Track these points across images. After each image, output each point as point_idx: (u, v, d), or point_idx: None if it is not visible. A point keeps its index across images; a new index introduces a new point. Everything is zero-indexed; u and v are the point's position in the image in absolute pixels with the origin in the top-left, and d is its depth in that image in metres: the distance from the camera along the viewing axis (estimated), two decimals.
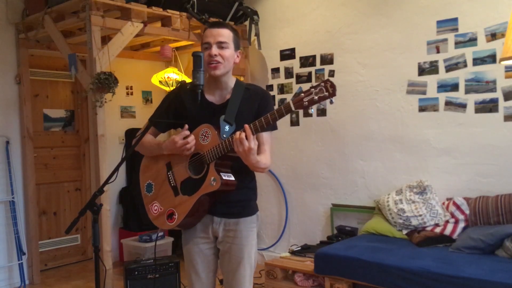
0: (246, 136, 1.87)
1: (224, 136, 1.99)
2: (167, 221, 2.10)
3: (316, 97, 1.80)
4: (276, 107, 2.01)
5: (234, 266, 2.10)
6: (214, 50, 2.03)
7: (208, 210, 2.10)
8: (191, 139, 2.02)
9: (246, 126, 1.88)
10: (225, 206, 2.09)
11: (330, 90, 1.79)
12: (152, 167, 2.21)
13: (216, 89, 2.13)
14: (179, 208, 2.07)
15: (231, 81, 2.13)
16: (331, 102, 1.83)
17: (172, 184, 2.12)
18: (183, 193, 2.07)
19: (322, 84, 1.80)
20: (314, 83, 4.60)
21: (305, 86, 4.48)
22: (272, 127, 2.08)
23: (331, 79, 1.89)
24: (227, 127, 2.03)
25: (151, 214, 2.18)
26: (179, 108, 2.15)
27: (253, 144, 1.87)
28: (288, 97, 4.65)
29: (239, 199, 2.11)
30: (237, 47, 2.12)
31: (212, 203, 2.07)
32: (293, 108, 1.83)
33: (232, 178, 2.01)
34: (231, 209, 2.10)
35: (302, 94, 1.83)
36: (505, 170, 3.51)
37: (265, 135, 2.08)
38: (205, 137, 2.03)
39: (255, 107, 2.09)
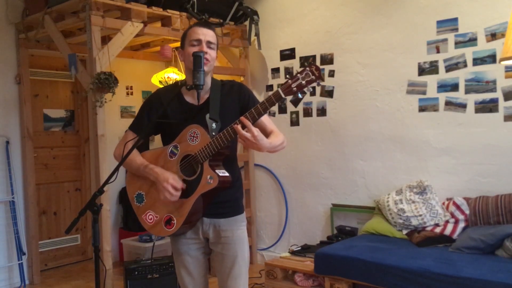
0: (246, 127, 1.87)
1: (213, 133, 1.99)
2: (166, 227, 2.06)
3: (303, 82, 1.82)
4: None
5: (229, 266, 2.11)
6: (205, 48, 2.05)
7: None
8: (178, 193, 2.00)
9: (243, 118, 1.88)
10: (214, 207, 2.09)
11: (316, 73, 1.81)
12: (140, 177, 2.17)
13: (195, 90, 2.11)
14: (176, 212, 2.04)
15: (209, 82, 2.15)
16: (318, 85, 1.86)
17: None
18: (179, 196, 2.05)
19: (308, 68, 1.82)
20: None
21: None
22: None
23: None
24: (214, 125, 2.04)
25: (147, 224, 2.14)
26: (160, 112, 2.10)
27: (256, 131, 1.86)
28: (288, 96, 4.64)
29: (227, 199, 2.11)
30: (217, 50, 2.16)
31: (206, 204, 2.05)
32: (283, 96, 1.85)
33: (227, 174, 2.01)
34: (220, 210, 2.10)
35: (290, 80, 1.85)
36: (505, 170, 3.51)
37: (264, 119, 2.10)
38: (194, 138, 2.02)
39: (236, 101, 2.12)
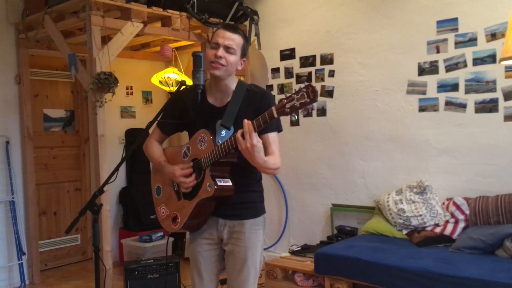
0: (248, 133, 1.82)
1: (219, 141, 1.97)
2: (172, 224, 2.13)
3: (297, 103, 1.75)
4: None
5: (238, 268, 2.10)
6: (221, 52, 2.01)
7: (213, 212, 2.10)
8: (191, 179, 2.03)
9: (246, 121, 1.82)
10: (229, 208, 2.09)
11: (311, 96, 1.72)
12: (161, 171, 2.25)
13: (216, 92, 2.11)
14: (181, 212, 2.09)
15: (233, 84, 2.11)
16: (312, 108, 1.78)
17: (175, 189, 2.15)
18: (184, 197, 2.09)
19: (304, 89, 1.74)
20: (314, 82, 4.61)
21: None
22: (277, 127, 2.07)
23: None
24: (223, 132, 2.01)
25: (160, 216, 2.22)
26: (182, 110, 2.16)
27: (256, 140, 1.81)
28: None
29: (243, 201, 2.10)
30: (243, 55, 2.09)
31: (215, 206, 2.07)
32: (275, 115, 1.79)
33: (229, 183, 2.00)
34: (235, 211, 2.10)
35: (285, 100, 1.78)
36: (505, 170, 3.51)
37: (272, 136, 2.04)
38: (202, 143, 2.03)
39: (254, 109, 2.04)
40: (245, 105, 2.06)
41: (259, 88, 2.17)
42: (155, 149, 2.22)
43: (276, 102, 1.88)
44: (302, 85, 1.77)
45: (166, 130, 2.25)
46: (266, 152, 1.98)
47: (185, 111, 2.15)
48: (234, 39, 2.03)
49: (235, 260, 2.10)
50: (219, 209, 2.09)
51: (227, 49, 2.02)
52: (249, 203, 2.13)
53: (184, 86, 2.10)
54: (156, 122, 2.16)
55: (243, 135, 1.82)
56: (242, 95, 2.07)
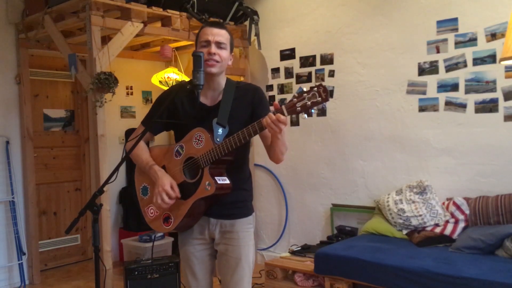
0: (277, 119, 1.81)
1: (218, 140, 1.97)
2: (164, 224, 2.09)
3: (309, 102, 1.75)
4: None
5: (232, 267, 2.10)
6: (214, 48, 2.02)
7: (204, 212, 2.09)
8: (168, 202, 2.00)
9: (277, 104, 1.81)
10: (221, 208, 2.08)
11: (323, 95, 1.73)
12: None
13: (208, 90, 2.10)
14: (174, 211, 2.06)
15: (223, 82, 2.12)
16: (324, 107, 1.80)
17: None
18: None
19: (315, 88, 1.73)
20: (314, 83, 4.63)
21: (305, 86, 4.48)
22: None
23: (326, 81, 1.87)
24: (220, 130, 2.01)
25: (147, 217, 2.16)
26: (172, 110, 2.13)
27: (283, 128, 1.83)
28: (288, 97, 4.65)
29: (234, 200, 2.10)
30: (231, 50, 2.12)
31: (208, 206, 2.06)
32: (286, 114, 1.79)
33: (227, 181, 1.99)
34: (226, 211, 2.09)
35: (295, 99, 1.77)
36: (505, 170, 3.51)
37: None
38: (199, 141, 2.01)
39: (248, 105, 2.06)
40: (237, 102, 2.06)
41: (248, 84, 2.19)
42: (142, 151, 2.17)
43: (276, 102, 1.89)
44: (313, 85, 1.77)
45: (154, 130, 2.20)
46: (268, 142, 2.04)
47: (174, 110, 2.12)
48: (223, 35, 2.05)
49: (229, 260, 2.10)
50: (210, 209, 2.08)
51: (219, 44, 2.03)
52: (240, 202, 2.13)
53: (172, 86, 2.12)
54: (145, 121, 2.16)
55: (273, 123, 1.81)
56: (232, 93, 2.08)
